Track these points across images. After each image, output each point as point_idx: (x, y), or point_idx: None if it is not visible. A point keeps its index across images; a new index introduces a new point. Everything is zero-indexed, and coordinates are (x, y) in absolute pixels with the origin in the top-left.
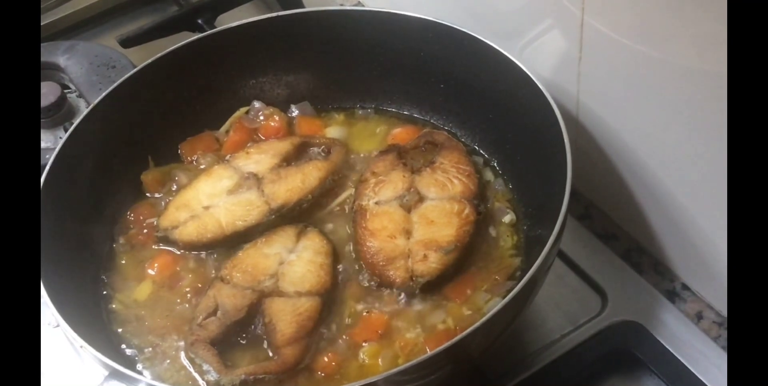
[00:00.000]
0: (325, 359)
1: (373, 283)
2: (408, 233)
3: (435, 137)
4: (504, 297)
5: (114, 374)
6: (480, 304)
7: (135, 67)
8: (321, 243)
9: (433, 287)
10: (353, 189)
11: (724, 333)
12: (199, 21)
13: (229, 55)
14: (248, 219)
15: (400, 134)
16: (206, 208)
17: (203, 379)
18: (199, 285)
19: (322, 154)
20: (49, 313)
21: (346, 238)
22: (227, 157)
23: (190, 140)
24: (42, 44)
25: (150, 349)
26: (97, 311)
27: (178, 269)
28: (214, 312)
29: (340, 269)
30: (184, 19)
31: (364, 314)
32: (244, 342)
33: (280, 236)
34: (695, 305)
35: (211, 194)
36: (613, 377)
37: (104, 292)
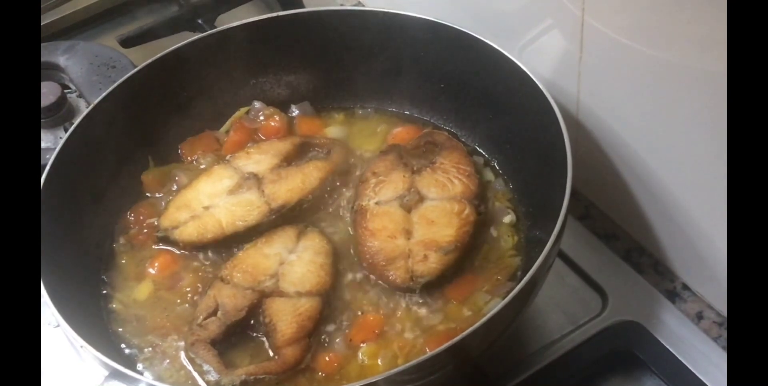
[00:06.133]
0: (326, 359)
1: (373, 283)
2: (408, 234)
3: (435, 137)
4: (504, 298)
5: (114, 374)
6: (480, 304)
7: (135, 67)
8: (321, 243)
9: (434, 287)
10: (353, 189)
11: (725, 333)
12: (199, 21)
13: (229, 55)
14: (248, 219)
15: (401, 133)
16: (206, 208)
17: (203, 379)
18: (199, 285)
19: (323, 154)
20: (49, 313)
21: (346, 238)
22: (227, 157)
23: (191, 140)
24: (42, 44)
25: (150, 349)
26: (97, 311)
27: (178, 269)
28: (214, 312)
29: (341, 270)
30: (184, 19)
31: (360, 314)
32: (244, 342)
33: (281, 236)
34: (695, 305)
35: (212, 194)
36: (614, 377)
37: (104, 292)
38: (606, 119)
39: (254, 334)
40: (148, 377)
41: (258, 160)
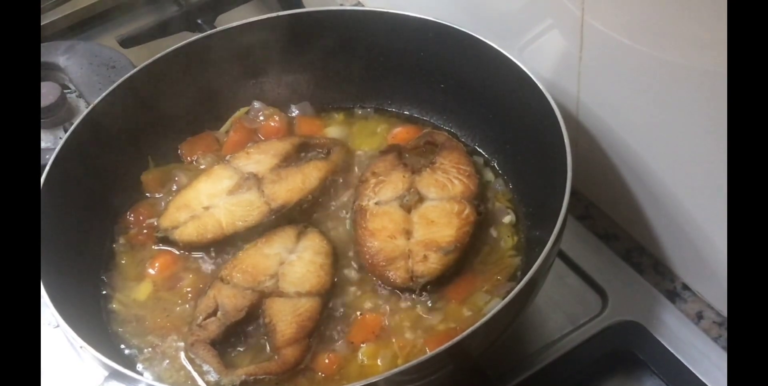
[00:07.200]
0: (326, 359)
1: (373, 283)
2: (408, 234)
3: (435, 137)
4: (504, 298)
5: (114, 374)
6: (480, 305)
7: (135, 67)
8: (321, 244)
9: (434, 287)
10: (353, 189)
11: (725, 333)
12: (199, 21)
13: (229, 55)
14: (248, 220)
15: (401, 133)
16: (206, 208)
17: (203, 380)
18: (200, 286)
19: (322, 154)
20: (49, 313)
21: (346, 238)
22: (227, 157)
23: (190, 140)
24: (42, 44)
25: (150, 349)
26: (97, 311)
27: (177, 269)
28: (214, 313)
29: (340, 270)
30: (184, 19)
31: (360, 314)
32: (244, 343)
33: (280, 236)
34: (695, 305)
35: (212, 195)
36: (614, 377)
37: (104, 292)
38: (606, 119)
39: (254, 334)
40: (147, 377)
41: (258, 160)
